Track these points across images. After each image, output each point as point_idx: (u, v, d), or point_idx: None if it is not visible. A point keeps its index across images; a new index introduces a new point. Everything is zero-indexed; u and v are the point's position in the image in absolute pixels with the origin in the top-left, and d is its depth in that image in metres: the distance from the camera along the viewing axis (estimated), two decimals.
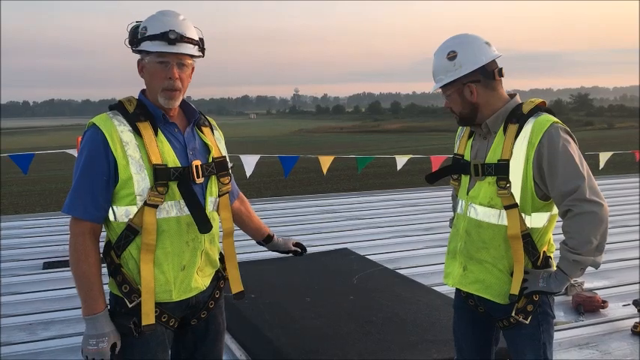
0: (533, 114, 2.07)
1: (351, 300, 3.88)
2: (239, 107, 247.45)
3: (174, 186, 1.96)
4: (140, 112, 1.97)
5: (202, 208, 2.01)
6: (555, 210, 2.11)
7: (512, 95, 2.19)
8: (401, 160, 7.86)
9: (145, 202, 1.92)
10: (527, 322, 2.11)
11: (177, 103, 2.02)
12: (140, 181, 1.91)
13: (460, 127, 2.36)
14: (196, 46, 2.00)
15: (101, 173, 1.90)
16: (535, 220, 2.08)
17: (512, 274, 2.11)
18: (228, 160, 2.18)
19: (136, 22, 2.02)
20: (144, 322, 1.93)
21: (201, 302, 2.12)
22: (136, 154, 1.91)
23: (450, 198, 2.58)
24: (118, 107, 1.99)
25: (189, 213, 1.99)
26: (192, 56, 2.01)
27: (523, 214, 2.07)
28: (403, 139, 48.08)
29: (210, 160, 2.08)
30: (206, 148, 2.09)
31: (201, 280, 2.09)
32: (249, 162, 7.11)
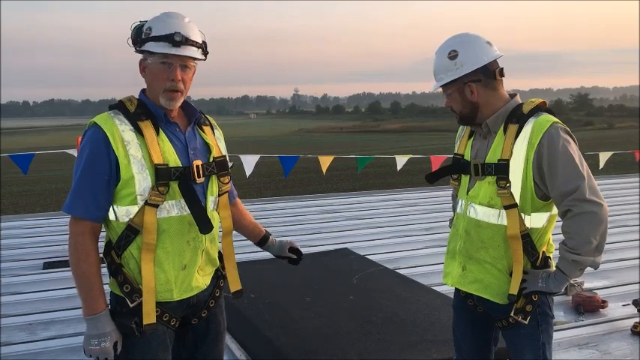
0: (533, 114, 2.07)
1: (351, 300, 3.88)
2: (239, 107, 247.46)
3: (175, 185, 1.96)
4: (141, 112, 1.97)
5: (203, 208, 2.02)
6: (555, 210, 2.11)
7: (512, 95, 2.19)
8: (401, 160, 7.86)
9: (146, 201, 1.92)
10: (526, 323, 2.11)
11: (179, 104, 2.02)
12: (142, 180, 1.91)
13: (460, 127, 2.36)
14: (200, 49, 2.01)
15: (102, 172, 1.90)
16: (534, 220, 2.09)
17: (511, 274, 2.11)
18: (228, 159, 2.19)
19: (140, 21, 2.02)
20: (145, 322, 1.93)
21: (202, 301, 2.13)
22: (137, 154, 1.91)
23: (450, 198, 2.58)
24: (118, 107, 1.99)
25: (189, 212, 1.99)
26: (195, 59, 2.01)
27: (523, 214, 2.07)
28: (403, 139, 48.09)
29: (211, 159, 2.08)
30: (207, 148, 2.10)
31: (202, 279, 2.10)
32: (249, 162, 7.10)
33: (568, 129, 2.06)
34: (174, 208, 1.97)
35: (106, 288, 2.00)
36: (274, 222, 6.90)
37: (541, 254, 2.12)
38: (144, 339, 1.97)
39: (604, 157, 8.67)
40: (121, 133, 1.91)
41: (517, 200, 2.06)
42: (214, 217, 2.10)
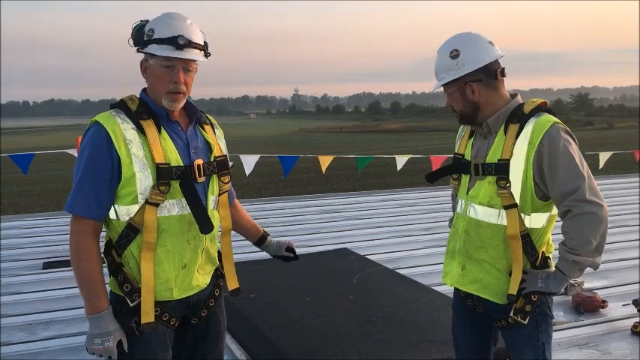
0: (534, 114, 2.07)
1: (351, 300, 3.88)
2: (239, 107, 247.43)
3: (176, 185, 1.96)
4: (143, 110, 1.97)
5: (204, 208, 2.02)
6: (554, 210, 2.11)
7: (513, 95, 2.19)
8: (401, 160, 7.86)
9: (147, 200, 1.92)
10: (525, 323, 2.11)
11: (181, 105, 2.03)
12: (143, 179, 1.91)
13: (461, 127, 2.36)
14: (202, 52, 2.01)
15: (104, 171, 1.90)
16: (534, 221, 2.08)
17: (510, 274, 2.11)
18: (228, 158, 2.19)
19: (141, 21, 2.02)
20: (143, 321, 1.93)
21: (202, 301, 2.13)
22: (139, 153, 1.91)
23: (450, 198, 2.58)
24: (120, 105, 1.99)
25: (190, 212, 1.99)
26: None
27: (522, 214, 2.07)
28: (403, 139, 48.08)
29: (212, 158, 2.09)
30: (208, 147, 2.10)
31: (202, 278, 2.10)
32: (249, 162, 7.10)
33: (569, 129, 2.06)
34: (175, 207, 1.97)
35: (107, 287, 2.00)
36: (274, 222, 6.90)
37: (540, 254, 2.12)
38: (144, 339, 1.97)
39: (604, 157, 8.67)
40: (123, 131, 1.91)
41: (517, 200, 2.06)
42: (214, 216, 2.10)
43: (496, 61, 2.13)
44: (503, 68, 2.15)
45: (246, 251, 5.11)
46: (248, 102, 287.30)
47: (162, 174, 1.93)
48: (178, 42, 1.92)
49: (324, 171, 7.78)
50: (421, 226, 6.61)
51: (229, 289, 2.24)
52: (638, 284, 4.49)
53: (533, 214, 2.08)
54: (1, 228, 6.55)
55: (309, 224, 6.82)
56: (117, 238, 1.96)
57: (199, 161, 2.02)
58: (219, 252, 2.23)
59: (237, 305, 3.53)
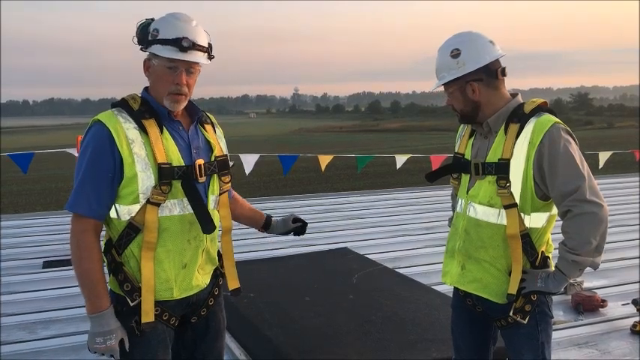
0: (534, 114, 2.07)
1: (351, 299, 3.88)
2: (239, 106, 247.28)
3: (177, 184, 1.96)
4: (145, 110, 1.97)
5: (206, 208, 2.02)
6: (554, 210, 2.11)
7: (513, 95, 2.19)
8: (400, 160, 7.86)
9: (148, 200, 1.92)
10: (525, 322, 2.11)
11: (182, 106, 2.02)
12: (145, 179, 1.91)
13: (461, 126, 2.36)
14: (206, 54, 2.00)
15: (106, 170, 1.89)
16: (534, 220, 2.09)
17: (510, 274, 2.11)
18: (229, 158, 2.19)
19: (146, 19, 2.01)
20: (143, 320, 1.93)
21: (201, 300, 2.13)
22: (141, 152, 1.91)
23: (450, 197, 2.58)
24: (121, 105, 1.98)
25: (191, 212, 1.99)
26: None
27: (522, 214, 2.07)
28: (403, 139, 48.06)
29: (213, 158, 2.09)
30: (209, 147, 2.10)
31: (202, 278, 2.10)
32: (249, 161, 7.11)
33: (569, 129, 2.06)
34: (176, 207, 1.97)
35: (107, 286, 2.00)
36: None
37: (540, 254, 2.12)
38: (144, 338, 1.97)
39: (604, 156, 8.68)
40: (126, 131, 1.91)
41: (517, 200, 2.06)
42: (215, 215, 2.10)
43: (497, 61, 2.13)
44: (504, 68, 2.14)
45: (246, 250, 5.13)
46: (248, 101, 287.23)
47: (164, 174, 1.93)
48: (182, 44, 1.91)
49: (323, 169, 7.78)
50: (421, 226, 6.61)
51: (230, 289, 2.25)
52: (637, 284, 4.50)
53: (533, 214, 2.08)
54: (1, 227, 6.56)
55: (309, 223, 6.79)
56: (117, 237, 1.96)
57: (200, 161, 2.02)
58: (219, 252, 2.23)
59: (236, 304, 3.53)
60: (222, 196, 2.16)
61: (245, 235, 5.95)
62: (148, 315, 1.94)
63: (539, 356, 2.14)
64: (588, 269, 2.04)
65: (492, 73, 2.12)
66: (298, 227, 2.56)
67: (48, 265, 5.12)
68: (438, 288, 4.10)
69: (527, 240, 2.08)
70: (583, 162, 2.01)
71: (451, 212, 2.52)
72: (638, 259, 5.16)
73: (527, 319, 2.11)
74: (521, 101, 2.16)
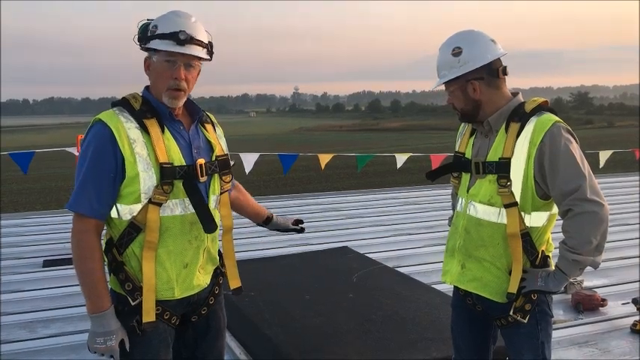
0: (535, 113, 2.07)
1: (351, 298, 3.88)
2: (239, 106, 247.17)
3: (179, 184, 1.96)
4: (146, 109, 1.96)
5: (208, 208, 2.02)
6: (555, 209, 2.11)
7: (514, 94, 2.19)
8: (401, 159, 7.86)
9: (150, 199, 1.92)
10: (525, 321, 2.11)
11: (181, 103, 2.02)
12: (147, 179, 1.91)
13: (462, 125, 2.36)
14: (205, 49, 2.00)
15: (108, 170, 1.89)
16: (534, 219, 2.08)
17: (510, 273, 2.11)
18: (229, 157, 2.19)
19: (147, 19, 2.02)
20: (144, 320, 1.93)
21: (202, 299, 2.13)
22: (143, 152, 1.91)
23: (450, 196, 2.58)
24: (122, 104, 1.98)
25: (193, 211, 1.99)
26: (200, 59, 2.01)
27: (523, 213, 2.07)
28: (403, 138, 48.05)
29: (214, 158, 2.09)
30: (209, 146, 2.10)
31: (203, 278, 2.10)
32: (249, 160, 7.11)
33: (570, 128, 2.05)
34: (178, 207, 1.97)
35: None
36: None
37: (540, 253, 2.12)
38: (145, 338, 1.97)
39: (604, 155, 8.68)
40: (127, 130, 1.90)
41: (517, 199, 2.06)
42: (215, 215, 2.10)
43: (498, 60, 2.13)
44: (505, 67, 2.14)
45: (246, 249, 5.13)
46: (248, 100, 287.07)
47: (166, 174, 1.93)
48: (180, 37, 1.91)
49: (322, 167, 7.79)
50: (421, 225, 6.62)
51: (231, 288, 2.25)
52: (637, 283, 4.50)
53: (533, 213, 2.07)
54: (1, 226, 6.56)
55: (310, 222, 6.77)
56: (118, 236, 1.96)
57: (201, 161, 2.02)
58: (219, 251, 2.23)
59: (237, 303, 3.53)
60: (223, 195, 2.16)
61: (245, 234, 5.95)
62: (149, 314, 1.94)
63: (539, 355, 2.14)
64: (588, 268, 2.04)
65: (494, 71, 2.11)
66: (297, 229, 2.64)
67: (48, 264, 5.12)
68: (438, 287, 4.10)
69: (528, 239, 2.08)
70: (584, 161, 2.01)
71: (451, 211, 2.52)
72: (638, 258, 5.16)
73: (527, 318, 2.11)
74: (522, 100, 2.16)
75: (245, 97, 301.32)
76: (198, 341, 2.18)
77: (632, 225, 6.42)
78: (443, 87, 2.21)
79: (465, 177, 2.26)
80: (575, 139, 2.05)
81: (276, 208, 7.69)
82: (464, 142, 2.31)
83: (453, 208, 2.46)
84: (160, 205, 1.93)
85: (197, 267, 2.06)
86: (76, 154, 5.67)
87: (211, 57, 2.05)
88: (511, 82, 2.18)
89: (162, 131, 1.96)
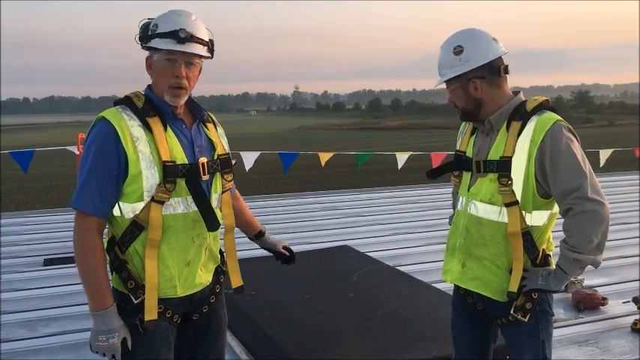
0: (536, 112, 2.06)
1: (351, 297, 3.88)
2: (239, 104, 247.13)
3: (181, 182, 1.97)
4: (149, 108, 1.97)
5: (211, 205, 2.02)
6: (555, 208, 2.11)
7: (515, 92, 2.19)
8: (401, 158, 7.86)
9: (152, 198, 1.92)
10: (525, 320, 2.11)
11: (183, 101, 2.02)
12: (150, 177, 1.91)
13: (462, 124, 2.36)
14: (205, 47, 2.00)
15: (111, 168, 1.89)
16: (535, 218, 2.08)
17: (511, 272, 2.11)
18: (231, 157, 2.19)
19: (148, 19, 2.02)
20: (146, 318, 1.94)
21: (203, 297, 2.13)
22: (146, 150, 1.91)
23: (450, 195, 2.58)
24: (125, 102, 1.98)
25: (195, 210, 1.99)
26: (200, 56, 2.01)
27: (524, 212, 2.07)
28: (404, 136, 48.04)
29: (215, 157, 2.09)
30: (211, 145, 2.10)
31: (205, 276, 2.10)
32: (249, 158, 7.12)
33: (571, 127, 2.05)
34: (180, 205, 1.98)
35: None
36: (274, 219, 6.90)
37: (541, 252, 2.12)
38: (148, 336, 1.97)
39: (604, 154, 8.68)
40: (130, 128, 1.91)
41: (518, 198, 2.06)
42: (217, 214, 2.10)
43: (499, 58, 2.13)
44: (507, 65, 2.14)
45: (247, 248, 5.12)
46: (248, 99, 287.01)
47: (169, 172, 1.93)
48: (179, 35, 1.92)
49: (323, 165, 7.79)
50: (421, 224, 6.61)
51: (233, 287, 2.25)
52: (638, 281, 4.49)
53: (534, 212, 2.07)
54: (1, 225, 6.56)
55: (310, 221, 6.82)
56: (120, 234, 1.96)
57: (203, 159, 2.02)
58: (221, 250, 2.23)
59: (237, 302, 3.53)
60: (225, 194, 2.17)
61: None
62: (151, 312, 1.94)
63: (539, 354, 2.14)
64: (589, 267, 2.04)
65: (495, 70, 2.11)
66: (286, 256, 2.53)
67: (49, 262, 5.13)
68: (439, 286, 4.11)
69: (529, 238, 2.08)
70: (585, 160, 2.01)
71: (451, 210, 2.52)
72: (638, 257, 5.15)
73: (527, 317, 2.11)
74: (523, 99, 2.15)
75: (245, 95, 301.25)
76: (199, 340, 2.18)
77: (633, 224, 6.42)
78: (444, 85, 2.21)
79: (466, 176, 2.26)
80: (576, 137, 2.05)
81: (277, 206, 7.69)
82: (465, 141, 2.30)
83: (454, 206, 2.46)
84: (162, 203, 1.93)
85: (199, 265, 2.06)
86: (77, 152, 5.68)
87: (212, 55, 2.05)
88: (511, 81, 2.18)
89: (165, 129, 1.97)
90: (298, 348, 3.10)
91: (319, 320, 3.47)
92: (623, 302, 4.05)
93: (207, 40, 2.01)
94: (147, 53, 2.02)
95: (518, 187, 2.05)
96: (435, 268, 4.73)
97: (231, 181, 2.17)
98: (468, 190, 2.22)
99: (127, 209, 1.93)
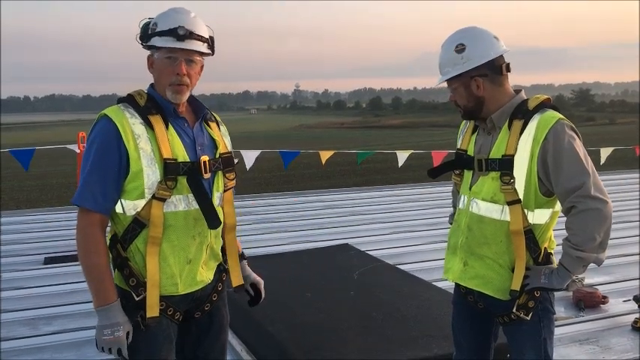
0: (538, 110, 2.06)
1: (352, 295, 3.88)
2: (240, 103, 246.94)
3: (183, 180, 1.97)
4: (151, 106, 1.98)
5: (212, 204, 2.02)
6: (557, 207, 2.10)
7: (517, 91, 2.18)
8: (402, 156, 7.86)
9: (154, 195, 1.93)
10: (527, 319, 2.11)
11: (185, 98, 2.03)
12: (150, 174, 1.92)
13: (463, 122, 2.36)
14: (205, 44, 2.01)
15: (113, 165, 1.90)
16: (537, 217, 2.08)
17: (513, 270, 2.11)
18: (233, 155, 2.19)
19: (148, 18, 2.03)
20: (148, 315, 1.94)
21: (205, 295, 2.13)
22: (147, 147, 1.92)
23: (451, 194, 2.58)
24: (128, 100, 2.00)
25: (197, 207, 1.99)
26: (201, 53, 2.01)
27: (526, 210, 2.07)
28: (404, 135, 48.01)
29: (217, 155, 2.09)
30: (213, 144, 2.11)
31: (206, 274, 2.11)
32: (250, 157, 7.12)
33: (573, 126, 2.05)
34: (182, 202, 1.98)
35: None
36: (275, 217, 6.91)
37: (543, 250, 2.12)
38: (150, 333, 1.98)
39: (605, 152, 8.67)
40: (132, 126, 1.92)
41: (520, 196, 2.05)
42: (219, 212, 2.10)
43: (501, 57, 2.12)
44: (508, 63, 2.14)
45: (248, 247, 5.12)
46: (249, 97, 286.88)
47: (170, 169, 1.94)
48: (179, 32, 1.93)
49: (323, 163, 7.79)
50: (422, 222, 6.62)
51: (234, 286, 2.25)
52: (638, 280, 4.49)
53: (536, 210, 2.07)
54: (1, 223, 6.57)
55: (311, 219, 6.82)
56: (122, 232, 1.97)
57: (205, 157, 2.03)
58: (223, 248, 2.23)
59: (238, 300, 3.53)
60: (227, 193, 2.17)
61: (247, 231, 5.97)
62: (152, 309, 1.95)
63: (541, 353, 2.14)
64: (591, 265, 2.04)
65: (497, 68, 2.11)
66: (251, 295, 2.35)
67: (49, 261, 5.13)
68: (440, 284, 4.10)
69: (531, 236, 2.08)
70: (587, 158, 2.01)
71: (452, 209, 2.52)
72: (638, 256, 5.15)
73: (530, 315, 2.11)
74: (525, 97, 2.15)
75: (246, 94, 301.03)
76: (201, 338, 2.18)
77: (634, 222, 6.42)
78: (445, 84, 2.20)
79: (467, 174, 2.26)
80: (578, 136, 2.05)
81: (278, 205, 7.69)
82: (466, 140, 2.30)
83: (454, 205, 2.46)
84: (163, 200, 1.94)
85: (200, 263, 2.06)
86: (77, 151, 5.68)
87: (213, 52, 2.06)
88: (513, 79, 2.18)
89: (167, 127, 1.97)
90: (299, 346, 3.10)
91: (320, 319, 3.47)
92: (624, 301, 4.05)
93: (207, 37, 2.02)
94: (148, 52, 2.02)
95: (520, 185, 2.05)
96: (435, 267, 4.73)
97: (233, 179, 2.17)
98: (470, 188, 2.22)
99: (128, 206, 1.94)
